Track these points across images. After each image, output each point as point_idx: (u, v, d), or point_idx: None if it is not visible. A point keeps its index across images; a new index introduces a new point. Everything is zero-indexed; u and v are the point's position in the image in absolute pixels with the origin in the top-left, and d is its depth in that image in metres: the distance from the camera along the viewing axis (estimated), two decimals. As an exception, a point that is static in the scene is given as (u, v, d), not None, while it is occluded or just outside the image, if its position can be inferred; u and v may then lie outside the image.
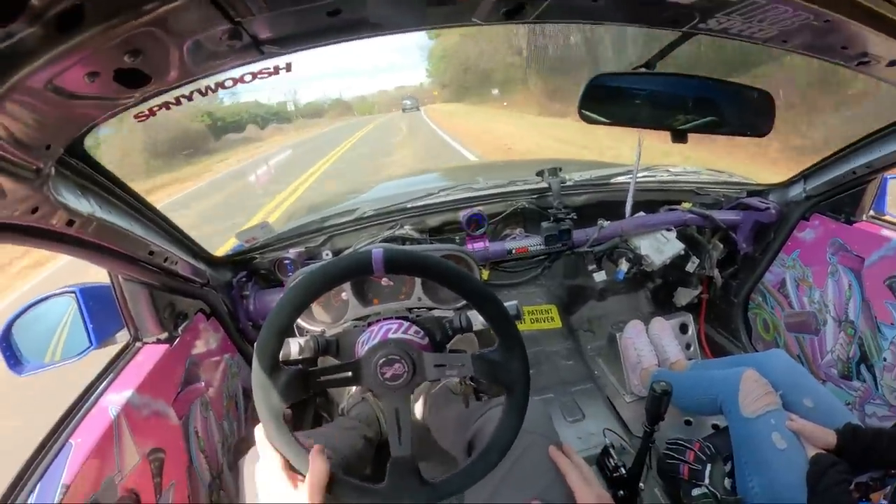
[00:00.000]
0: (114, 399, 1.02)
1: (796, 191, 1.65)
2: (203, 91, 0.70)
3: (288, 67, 0.69)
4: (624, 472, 1.29)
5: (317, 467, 0.71)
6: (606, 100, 1.07)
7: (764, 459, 1.14)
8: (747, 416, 1.21)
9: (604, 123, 1.09)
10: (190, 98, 0.71)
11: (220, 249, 1.56)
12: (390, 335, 0.94)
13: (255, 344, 0.73)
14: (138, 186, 1.00)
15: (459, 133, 16.20)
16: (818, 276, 1.61)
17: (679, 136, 1.08)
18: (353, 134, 23.72)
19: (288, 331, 0.73)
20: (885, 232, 1.44)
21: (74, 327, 1.13)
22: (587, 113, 1.07)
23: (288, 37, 0.59)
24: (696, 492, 1.28)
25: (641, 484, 1.29)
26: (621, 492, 1.29)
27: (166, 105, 0.70)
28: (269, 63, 0.67)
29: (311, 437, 1.14)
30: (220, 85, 0.68)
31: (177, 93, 0.67)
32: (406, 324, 0.99)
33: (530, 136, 13.34)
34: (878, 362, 1.44)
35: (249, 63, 0.64)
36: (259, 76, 0.69)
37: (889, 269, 1.39)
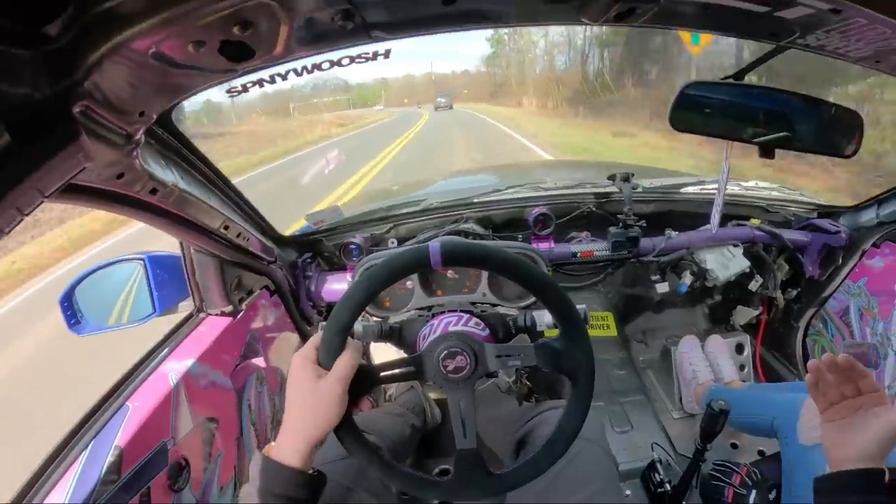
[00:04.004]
0: (174, 366, 1.04)
1: (868, 216, 1.58)
2: (299, 71, 0.69)
3: (387, 54, 0.68)
4: (669, 488, 1.27)
5: (343, 360, 0.71)
6: (696, 109, 1.04)
7: None
8: (804, 444, 1.16)
9: (692, 132, 1.07)
10: (285, 77, 0.71)
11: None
12: (451, 328, 0.93)
13: (319, 333, 0.74)
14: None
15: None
16: (884, 306, 1.53)
17: (766, 152, 1.05)
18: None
19: (351, 327, 0.74)
20: (959, 266, 1.35)
21: (139, 293, 1.15)
22: (676, 122, 1.05)
23: (399, 22, 0.59)
24: (738, 516, 1.24)
25: (684, 502, 1.26)
26: (663, 508, 1.26)
27: (260, 82, 0.70)
28: (370, 48, 0.66)
29: (358, 419, 1.16)
30: (317, 66, 0.68)
31: (273, 70, 0.67)
32: (466, 316, 0.97)
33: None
34: (936, 403, 1.36)
35: (352, 46, 0.64)
36: (357, 60, 0.69)
37: None
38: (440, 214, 1.61)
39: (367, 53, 0.67)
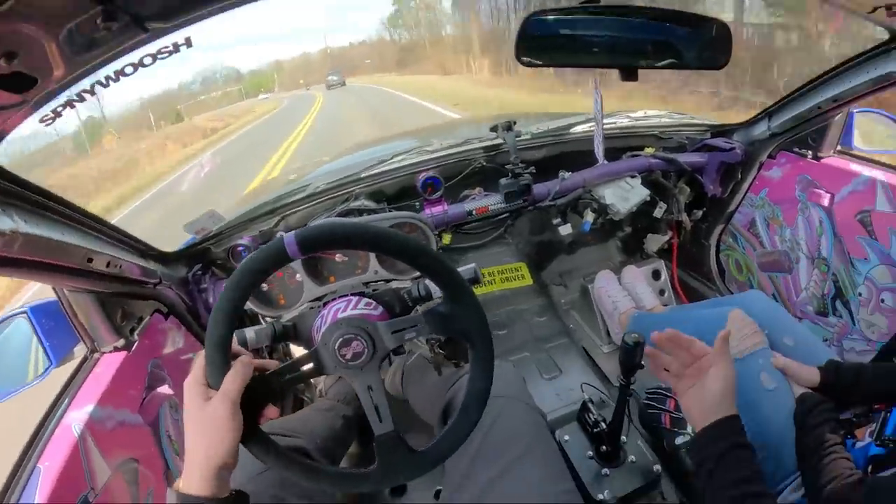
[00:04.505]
0: (76, 416, 0.99)
1: (761, 129, 1.63)
2: (104, 82, 0.66)
3: (188, 42, 0.64)
4: (605, 426, 1.27)
5: (229, 377, 0.68)
6: (545, 41, 1.00)
7: (753, 400, 1.10)
8: (735, 357, 1.18)
9: (542, 65, 1.02)
10: (92, 92, 0.67)
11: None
12: (340, 314, 0.90)
13: (202, 353, 0.71)
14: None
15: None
16: (788, 214, 1.60)
17: (629, 75, 1.01)
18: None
19: (229, 340, 0.70)
20: (854, 167, 1.43)
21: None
22: (523, 55, 0.99)
23: (169, 8, 0.55)
24: (679, 440, 1.28)
25: (623, 437, 1.28)
26: (604, 447, 1.28)
27: (69, 103, 0.66)
28: (167, 41, 0.62)
29: (288, 422, 1.13)
30: (121, 73, 0.64)
31: (76, 88, 0.63)
32: (355, 299, 0.93)
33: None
34: (853, 297, 1.45)
35: (142, 44, 0.60)
36: (159, 57, 0.65)
37: (859, 204, 1.39)
38: (329, 196, 1.54)
39: (167, 47, 0.64)
